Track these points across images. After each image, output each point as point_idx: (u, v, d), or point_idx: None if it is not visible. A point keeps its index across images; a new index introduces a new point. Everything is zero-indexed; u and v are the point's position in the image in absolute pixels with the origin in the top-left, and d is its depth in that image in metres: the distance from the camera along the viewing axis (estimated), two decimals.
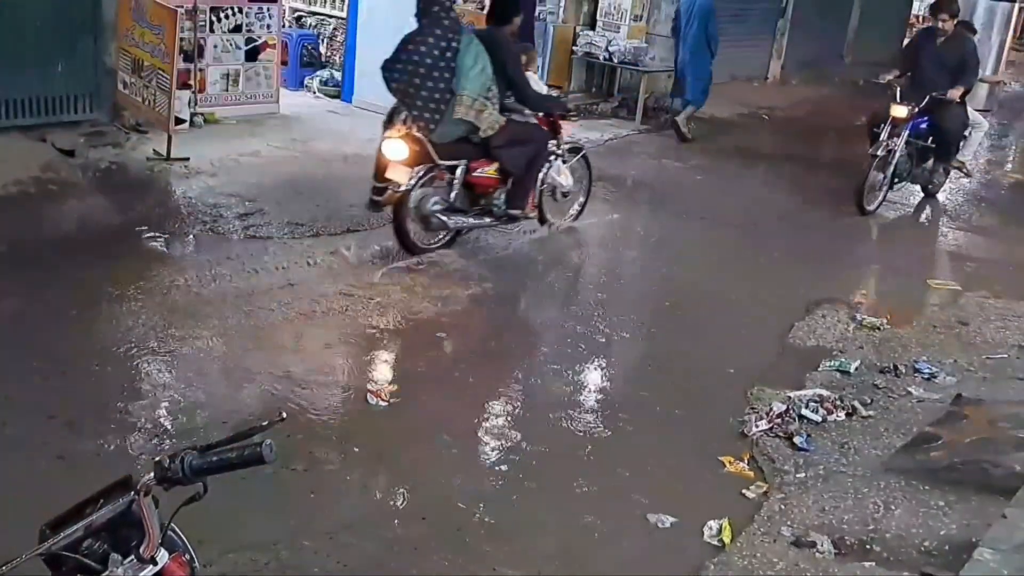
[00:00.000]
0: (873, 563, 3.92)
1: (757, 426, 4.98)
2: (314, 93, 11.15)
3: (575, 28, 12.70)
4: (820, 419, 5.07)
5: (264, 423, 1.98)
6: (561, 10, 12.63)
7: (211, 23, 9.01)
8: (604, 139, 11.45)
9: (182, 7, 8.22)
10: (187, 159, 7.90)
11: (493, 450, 4.62)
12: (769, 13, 15.97)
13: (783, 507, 4.30)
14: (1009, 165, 12.90)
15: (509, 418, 4.93)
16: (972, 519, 4.12)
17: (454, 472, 4.37)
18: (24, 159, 7.21)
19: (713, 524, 4.13)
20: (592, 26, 12.83)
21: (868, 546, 4.03)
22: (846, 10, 18.60)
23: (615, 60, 12.36)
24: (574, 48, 12.60)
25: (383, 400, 4.86)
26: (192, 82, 8.87)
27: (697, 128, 12.20)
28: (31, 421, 4.26)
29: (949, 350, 6.10)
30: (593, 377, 5.51)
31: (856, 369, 5.73)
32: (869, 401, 5.32)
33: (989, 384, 5.60)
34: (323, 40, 11.80)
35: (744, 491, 4.45)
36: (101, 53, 8.00)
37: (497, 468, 4.46)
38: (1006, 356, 6.05)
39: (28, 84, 7.52)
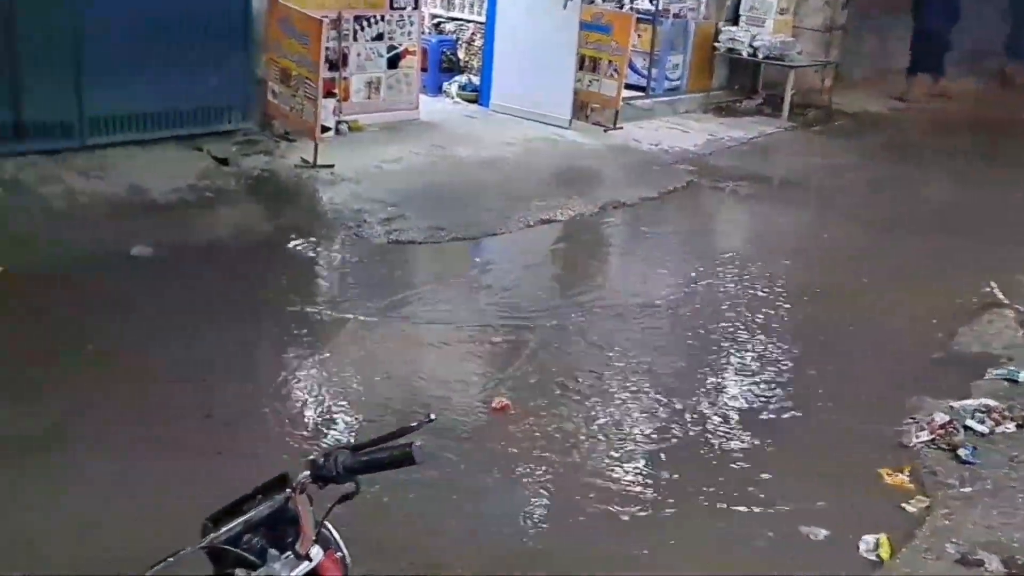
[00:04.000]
0: None
1: (918, 437, 4.73)
2: (452, 98, 11.29)
3: (717, 24, 12.45)
4: (987, 431, 4.77)
5: (414, 424, 1.97)
6: (703, 6, 12.39)
7: (355, 32, 9.23)
8: (748, 137, 11.19)
9: (327, 17, 8.46)
10: (332, 166, 8.12)
11: (636, 456, 4.52)
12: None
13: (947, 523, 4.07)
14: None
15: (648, 425, 4.82)
16: None
17: (596, 480, 4.30)
18: (182, 168, 7.57)
19: (869, 538, 3.93)
20: (735, 22, 12.54)
21: None
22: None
23: (759, 55, 12.06)
24: (716, 45, 12.36)
25: (510, 410, 4.81)
26: (337, 90, 9.12)
27: (848, 124, 11.78)
28: (191, 420, 4.44)
29: None
30: (742, 382, 5.33)
31: None
32: None
33: None
34: (462, 45, 11.94)
35: (904, 505, 4.24)
36: (252, 65, 8.31)
37: (642, 476, 4.36)
38: None
39: (186, 96, 7.89)
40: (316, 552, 1.89)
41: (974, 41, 15.73)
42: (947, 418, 4.83)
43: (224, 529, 1.86)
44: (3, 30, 6.78)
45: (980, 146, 11.86)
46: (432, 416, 2.03)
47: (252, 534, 1.87)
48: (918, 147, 11.56)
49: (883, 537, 3.92)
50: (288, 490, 1.89)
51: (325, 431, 4.44)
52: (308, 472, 1.89)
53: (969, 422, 4.80)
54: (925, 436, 4.72)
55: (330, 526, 2.01)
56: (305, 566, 1.87)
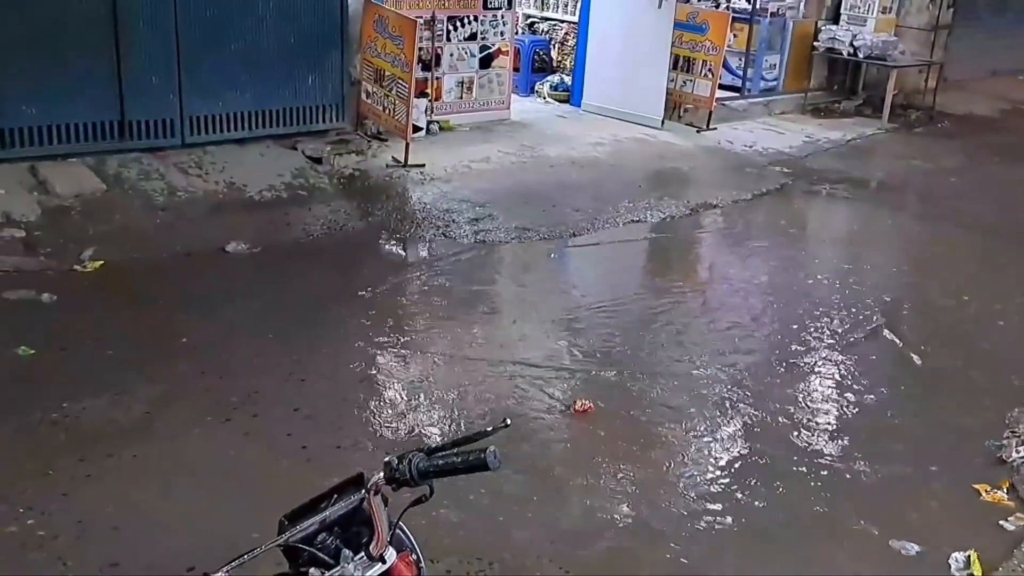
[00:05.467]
0: None
1: (1018, 452, 4.53)
2: (544, 98, 11.29)
3: (816, 23, 12.16)
4: None
5: (489, 428, 1.97)
6: (802, 4, 12.13)
7: (448, 32, 9.31)
8: (847, 139, 10.90)
9: (421, 17, 8.55)
10: (423, 165, 8.21)
11: (719, 462, 4.44)
12: None
13: None
14: None
15: (732, 431, 4.73)
16: None
17: (676, 486, 4.24)
18: (277, 166, 7.76)
19: (960, 556, 3.78)
20: (835, 20, 12.24)
21: None
22: None
23: (860, 55, 11.75)
24: (815, 44, 12.08)
25: (593, 412, 4.75)
26: (429, 90, 9.21)
27: (952, 126, 11.38)
28: (278, 413, 4.53)
29: None
30: (833, 389, 5.19)
31: None
32: None
33: None
34: (554, 45, 11.94)
35: (1002, 522, 4.05)
36: (347, 65, 8.46)
37: (725, 482, 4.28)
38: None
39: (283, 97, 8.09)
40: (390, 554, 1.90)
41: None
42: None
43: (300, 527, 1.89)
44: (110, 31, 7.06)
45: None
46: (508, 421, 2.03)
47: (327, 533, 1.90)
48: None
49: (973, 554, 3.76)
50: (363, 491, 1.91)
51: (406, 430, 4.48)
52: (382, 474, 1.90)
53: None
54: None
55: (405, 528, 2.02)
56: (378, 568, 1.87)
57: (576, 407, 4.77)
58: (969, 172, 9.91)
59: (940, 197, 9.22)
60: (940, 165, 10.09)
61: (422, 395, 4.84)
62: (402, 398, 4.80)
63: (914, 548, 3.84)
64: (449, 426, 4.49)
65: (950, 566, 3.74)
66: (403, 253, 6.92)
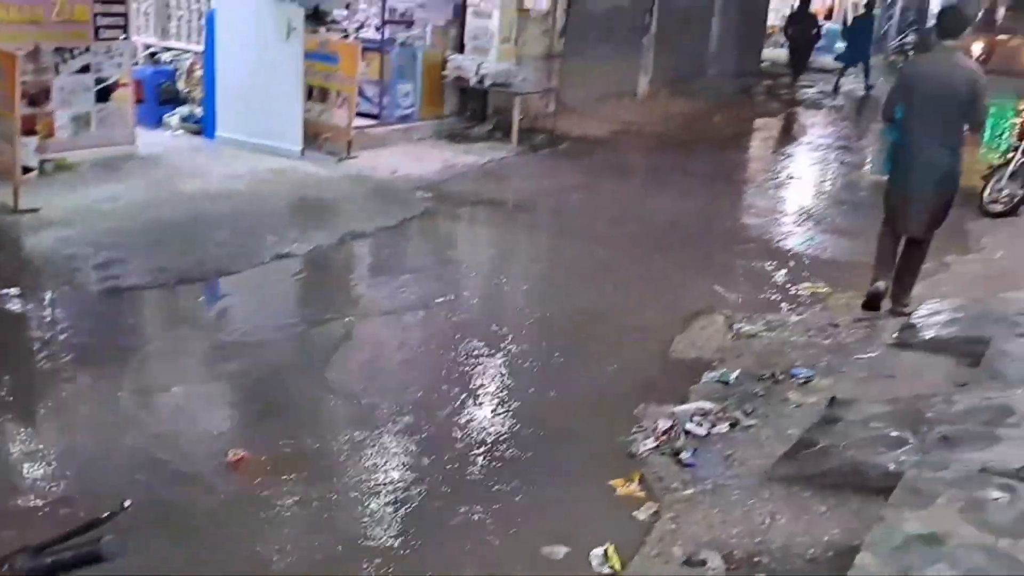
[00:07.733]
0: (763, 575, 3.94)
1: (645, 445, 4.95)
2: (174, 131, 10.76)
3: (444, 53, 12.66)
4: (705, 432, 5.07)
5: (104, 515, 1.80)
6: (428, 35, 12.57)
7: (56, 65, 8.54)
8: (481, 163, 11.44)
9: (21, 50, 7.78)
10: (37, 209, 7.47)
11: (382, 493, 4.45)
12: (634, 30, 16.31)
13: (674, 526, 4.26)
14: None
15: (392, 460, 4.77)
16: (853, 522, 4.15)
17: (344, 514, 4.20)
18: None
19: (598, 551, 4.03)
20: (461, 50, 12.80)
21: (756, 559, 4.02)
22: (706, 25, 19.29)
23: (486, 83, 12.38)
24: (444, 73, 12.55)
25: (248, 460, 4.58)
26: (38, 127, 8.39)
27: (572, 147, 12.42)
28: None
29: (822, 353, 6.24)
30: (472, 407, 5.37)
31: (736, 378, 5.77)
32: (751, 410, 5.35)
33: (862, 384, 5.72)
34: (180, 76, 11.40)
35: (635, 513, 4.40)
36: None
37: (389, 511, 4.30)
38: (876, 354, 6.20)
39: None
40: None
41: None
42: (669, 424, 5.11)
43: None
44: None
45: (693, 163, 12.84)
46: (126, 504, 1.86)
47: None
48: (635, 166, 12.35)
49: (610, 548, 4.06)
50: None
51: (19, 520, 3.99)
52: None
53: (688, 426, 5.10)
54: (651, 443, 4.96)
55: None
56: None
57: (230, 457, 4.57)
58: (588, 189, 10.82)
59: (565, 214, 9.99)
60: (564, 184, 10.92)
61: (41, 474, 4.36)
62: (14, 480, 4.30)
63: (562, 551, 4.06)
64: (81, 508, 4.06)
65: (591, 563, 4.01)
66: (16, 309, 6.22)
